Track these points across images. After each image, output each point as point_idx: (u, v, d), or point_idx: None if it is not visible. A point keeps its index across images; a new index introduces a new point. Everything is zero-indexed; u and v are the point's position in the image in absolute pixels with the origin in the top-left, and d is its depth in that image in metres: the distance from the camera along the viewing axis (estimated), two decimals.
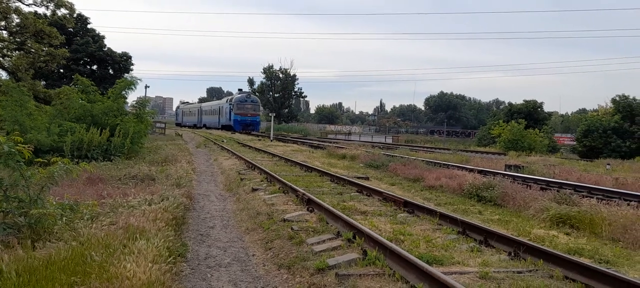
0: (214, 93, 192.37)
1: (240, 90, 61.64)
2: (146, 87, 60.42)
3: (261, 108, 59.81)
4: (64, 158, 7.82)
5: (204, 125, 67.16)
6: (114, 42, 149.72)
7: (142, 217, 7.49)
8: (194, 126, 72.37)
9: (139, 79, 23.09)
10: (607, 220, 8.34)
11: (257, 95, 67.37)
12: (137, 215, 7.57)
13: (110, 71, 55.40)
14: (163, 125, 50.40)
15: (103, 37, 55.58)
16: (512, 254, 6.36)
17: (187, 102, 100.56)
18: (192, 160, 20.14)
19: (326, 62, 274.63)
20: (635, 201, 10.79)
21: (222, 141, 33.93)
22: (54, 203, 7.23)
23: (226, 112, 56.50)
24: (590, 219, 8.53)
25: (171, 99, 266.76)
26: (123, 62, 56.04)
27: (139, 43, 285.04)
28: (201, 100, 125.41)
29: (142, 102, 24.12)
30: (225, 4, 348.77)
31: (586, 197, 11.26)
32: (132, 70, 56.73)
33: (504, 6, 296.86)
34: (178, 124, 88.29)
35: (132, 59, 57.28)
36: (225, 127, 55.73)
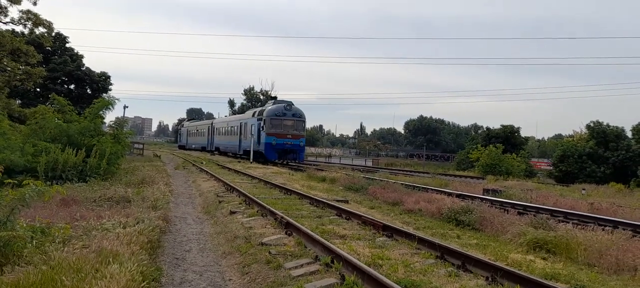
0: (194, 114, 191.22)
1: (274, 98, 43.13)
2: (125, 107, 59.55)
3: (306, 125, 37.88)
4: (37, 179, 7.64)
5: (217, 149, 51.19)
6: (93, 62, 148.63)
7: (116, 240, 7.33)
8: (203, 149, 57.98)
9: (117, 99, 22.94)
10: (582, 245, 8.43)
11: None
12: (111, 238, 7.41)
13: (88, 91, 54.66)
14: (141, 146, 49.76)
15: (81, 56, 54.93)
16: (490, 279, 6.36)
17: (193, 119, 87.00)
18: (170, 182, 19.87)
19: (307, 84, 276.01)
20: (609, 226, 10.94)
21: (201, 163, 33.65)
22: (25, 225, 7.04)
23: (253, 131, 37.11)
24: (567, 244, 8.61)
25: (150, 120, 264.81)
26: (101, 82, 55.35)
27: (119, 63, 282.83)
28: (208, 117, 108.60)
29: (120, 123, 23.82)
30: (204, 26, 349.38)
31: (562, 221, 11.39)
32: (110, 90, 55.60)
33: (482, 33, 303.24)
34: (181, 147, 73.14)
35: (111, 78, 56.30)
36: (249, 154, 36.97)
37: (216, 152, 51.50)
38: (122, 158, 22.23)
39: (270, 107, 36.37)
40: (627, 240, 8.58)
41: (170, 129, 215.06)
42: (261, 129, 35.27)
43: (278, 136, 34.38)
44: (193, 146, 64.30)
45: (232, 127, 45.74)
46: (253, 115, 38.84)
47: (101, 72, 55.91)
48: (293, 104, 35.89)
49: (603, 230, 9.93)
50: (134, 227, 8.40)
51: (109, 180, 17.25)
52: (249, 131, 38.64)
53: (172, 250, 8.52)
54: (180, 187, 19.26)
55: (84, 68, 54.23)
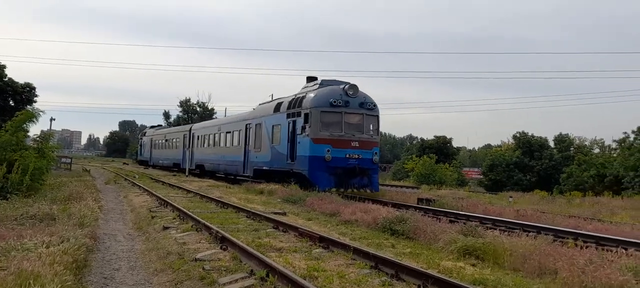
0: (128, 126, 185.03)
1: (314, 79, 23.84)
2: (51, 119, 56.82)
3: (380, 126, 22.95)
4: None
5: (199, 167, 36.19)
6: (17, 72, 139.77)
7: (37, 260, 6.90)
8: (176, 167, 41.73)
9: (43, 111, 21.75)
10: (509, 250, 8.80)
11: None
12: (32, 258, 6.97)
13: (10, 102, 51.58)
14: (69, 160, 47.45)
15: (4, 66, 51.86)
16: (421, 287, 6.52)
17: (160, 126, 63.60)
18: (100, 197, 19.05)
19: (245, 96, 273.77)
20: (533, 232, 11.53)
21: (134, 177, 32.52)
22: None
23: (276, 136, 23.72)
24: (494, 250, 8.97)
25: (80, 133, 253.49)
26: (25, 93, 52.32)
27: (45, 73, 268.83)
28: (141, 129, 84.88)
29: (45, 136, 22.60)
30: (137, 36, 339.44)
31: (491, 228, 11.89)
32: (35, 101, 52.80)
33: (415, 48, 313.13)
34: (143, 163, 56.59)
35: (36, 89, 53.65)
36: (265, 174, 24.71)
37: (196, 172, 37.20)
38: (47, 173, 21.05)
39: (315, 91, 21.65)
40: (548, 244, 9.04)
41: (101, 142, 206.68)
42: (298, 132, 21.45)
43: (336, 144, 20.37)
44: (161, 162, 48.11)
45: (229, 132, 30.75)
46: (276, 110, 24.06)
47: (25, 82, 52.94)
48: (357, 87, 21.35)
49: (527, 235, 10.44)
50: (59, 246, 7.95)
51: (32, 196, 16.28)
52: (265, 137, 24.83)
53: (100, 270, 8.14)
54: (110, 202, 18.50)
55: (7, 78, 51.16)
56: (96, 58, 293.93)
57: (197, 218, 11.87)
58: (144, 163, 56.35)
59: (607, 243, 10.72)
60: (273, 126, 24.29)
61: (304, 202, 17.53)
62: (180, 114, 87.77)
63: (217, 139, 33.51)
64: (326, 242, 9.55)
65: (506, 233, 10.89)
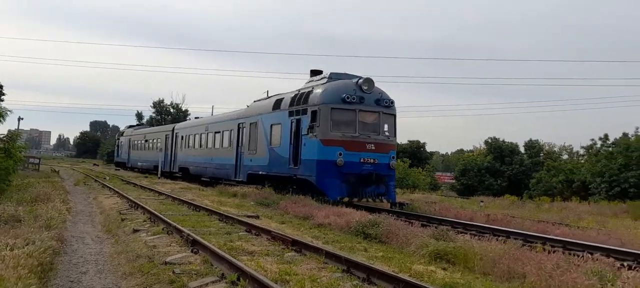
0: (99, 127, 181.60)
1: (319, 72, 21.25)
2: (19, 119, 55.47)
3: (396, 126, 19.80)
4: None
5: (183, 170, 34.01)
6: None
7: (1, 263, 6.70)
8: (157, 170, 38.37)
9: (10, 111, 21.24)
10: (479, 254, 8.92)
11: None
12: None
13: None
14: (37, 161, 46.31)
15: None
16: None
17: (140, 125, 60.59)
18: (68, 199, 18.63)
19: (220, 98, 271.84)
20: (503, 236, 11.70)
21: (105, 178, 31.94)
22: None
23: (276, 137, 21.24)
24: (465, 254, 9.08)
25: (49, 132, 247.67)
26: None
27: (13, 71, 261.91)
28: (114, 130, 76.81)
29: (12, 136, 22.02)
30: (110, 35, 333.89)
31: (462, 232, 12.03)
32: (2, 100, 51.51)
33: (391, 53, 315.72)
34: (120, 165, 53.71)
35: (4, 88, 52.34)
36: (257, 180, 22.74)
37: (178, 175, 35.01)
38: (13, 174, 20.54)
39: (324, 86, 19.10)
40: (517, 249, 9.19)
41: (71, 142, 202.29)
42: (304, 133, 18.85)
43: (349, 147, 17.81)
44: (140, 164, 45.37)
45: (218, 132, 28.20)
46: (276, 107, 21.37)
47: None
48: (373, 82, 18.79)
49: (497, 240, 10.58)
50: (23, 249, 7.73)
51: None
52: (262, 138, 22.17)
53: (66, 273, 7.94)
54: (79, 204, 18.11)
55: None
56: (66, 57, 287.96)
57: (168, 221, 11.70)
58: (122, 165, 52.92)
59: (574, 248, 10.95)
60: (272, 125, 21.59)
61: (277, 205, 17.46)
62: (154, 115, 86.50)
63: (204, 139, 30.71)
64: (299, 246, 9.52)
65: (477, 237, 11.04)
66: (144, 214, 14.04)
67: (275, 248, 9.57)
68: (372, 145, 18.25)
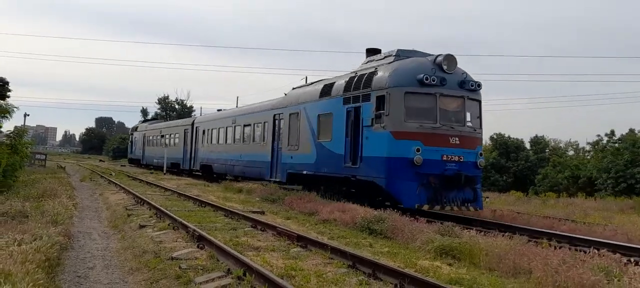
0: (104, 123, 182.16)
1: (377, 52, 18.08)
2: (25, 115, 55.78)
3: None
4: None
5: (206, 168, 31.45)
6: None
7: (8, 259, 6.76)
8: (175, 167, 37.19)
9: (16, 107, 21.34)
10: (484, 250, 8.90)
11: None
12: (4, 257, 6.82)
13: None
14: (44, 157, 46.53)
15: None
16: (398, 286, 6.55)
17: (155, 119, 59.05)
18: (75, 194, 18.74)
19: (224, 94, 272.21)
20: (509, 232, 11.68)
21: (111, 174, 32.08)
22: None
23: (334, 130, 17.22)
24: (470, 250, 9.06)
25: (55, 129, 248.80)
26: None
27: (19, 68, 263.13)
28: (119, 127, 75.86)
29: (19, 132, 22.13)
30: (115, 32, 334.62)
31: (467, 228, 11.99)
32: (9, 96, 51.59)
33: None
34: (134, 161, 52.00)
35: (10, 84, 52.44)
36: (322, 181, 18.29)
37: (199, 173, 33.01)
38: (20, 169, 20.67)
39: (392, 65, 15.71)
40: (523, 244, 9.17)
41: (77, 138, 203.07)
42: (366, 124, 15.66)
43: (428, 141, 14.66)
44: (156, 161, 42.58)
45: (248, 126, 25.21)
46: (324, 94, 18.26)
47: None
48: (455, 59, 15.59)
49: (503, 235, 10.58)
50: (31, 244, 7.79)
51: (4, 193, 15.93)
52: (305, 131, 19.15)
53: (73, 268, 8.00)
54: (85, 200, 18.21)
55: None
56: (72, 53, 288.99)
57: (174, 216, 11.75)
58: (136, 162, 50.45)
59: (580, 244, 10.92)
60: (319, 116, 18.31)
61: (282, 201, 17.49)
62: (159, 111, 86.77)
63: (231, 133, 27.67)
64: (304, 241, 9.54)
65: (482, 233, 11.01)
66: (149, 210, 14.10)
67: (280, 244, 9.60)
68: (457, 138, 14.84)
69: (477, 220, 14.16)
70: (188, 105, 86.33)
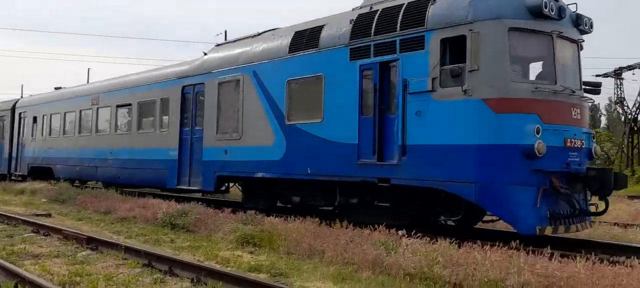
0: None
1: None
2: None
3: None
4: None
5: (45, 172, 21.49)
6: None
7: None
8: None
9: None
10: (282, 235, 9.25)
11: None
12: None
13: None
14: None
15: None
16: (195, 280, 6.43)
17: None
18: None
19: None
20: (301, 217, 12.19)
21: None
22: None
23: (329, 104, 10.69)
24: (270, 237, 9.35)
25: None
26: None
27: None
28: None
29: None
30: None
31: (270, 215, 12.31)
32: None
33: None
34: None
35: None
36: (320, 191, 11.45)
37: (19, 179, 23.56)
38: None
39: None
40: (317, 227, 9.70)
41: None
42: (419, 90, 9.24)
43: (547, 116, 8.59)
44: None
45: (123, 106, 17.87)
46: (300, 44, 11.63)
47: None
48: None
49: (298, 219, 11.02)
50: None
51: None
52: (258, 108, 12.49)
53: None
54: None
55: None
56: None
57: None
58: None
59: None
60: (290, 83, 11.79)
61: (74, 201, 15.95)
62: None
63: (91, 119, 19.31)
64: (95, 243, 8.83)
65: (283, 219, 11.39)
66: None
67: (67, 249, 8.73)
68: (578, 110, 9.24)
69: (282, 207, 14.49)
70: None
